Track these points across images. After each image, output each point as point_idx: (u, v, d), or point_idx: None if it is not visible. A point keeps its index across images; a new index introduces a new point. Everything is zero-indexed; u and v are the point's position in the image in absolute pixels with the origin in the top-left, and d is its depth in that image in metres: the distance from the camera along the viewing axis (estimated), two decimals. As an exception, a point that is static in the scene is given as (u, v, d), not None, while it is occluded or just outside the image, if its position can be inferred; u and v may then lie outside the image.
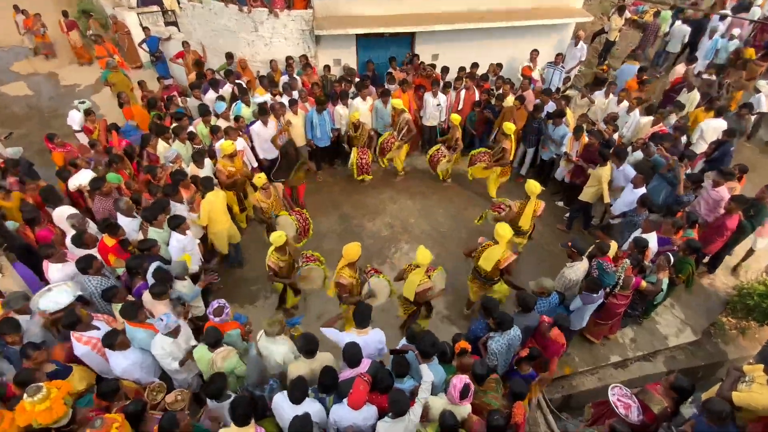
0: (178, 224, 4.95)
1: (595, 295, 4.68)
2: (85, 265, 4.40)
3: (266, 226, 5.87)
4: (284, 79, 8.14)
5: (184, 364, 4.09)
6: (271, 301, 6.11)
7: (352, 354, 3.62)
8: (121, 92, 7.64)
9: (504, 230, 4.90)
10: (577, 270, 4.90)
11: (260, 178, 5.67)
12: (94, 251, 4.77)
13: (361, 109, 7.69)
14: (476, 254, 5.16)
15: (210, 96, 7.67)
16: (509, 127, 7.01)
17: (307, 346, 3.69)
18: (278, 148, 7.11)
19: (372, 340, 3.93)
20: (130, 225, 5.20)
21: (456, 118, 7.35)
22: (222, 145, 6.06)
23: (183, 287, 4.68)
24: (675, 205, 5.65)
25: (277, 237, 4.82)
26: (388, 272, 6.21)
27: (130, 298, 4.40)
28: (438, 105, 7.98)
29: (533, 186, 5.76)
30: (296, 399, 3.35)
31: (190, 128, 6.71)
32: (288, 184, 6.65)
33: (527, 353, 3.98)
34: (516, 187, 7.81)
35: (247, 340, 4.41)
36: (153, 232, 5.03)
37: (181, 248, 4.95)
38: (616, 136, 7.13)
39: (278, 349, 3.99)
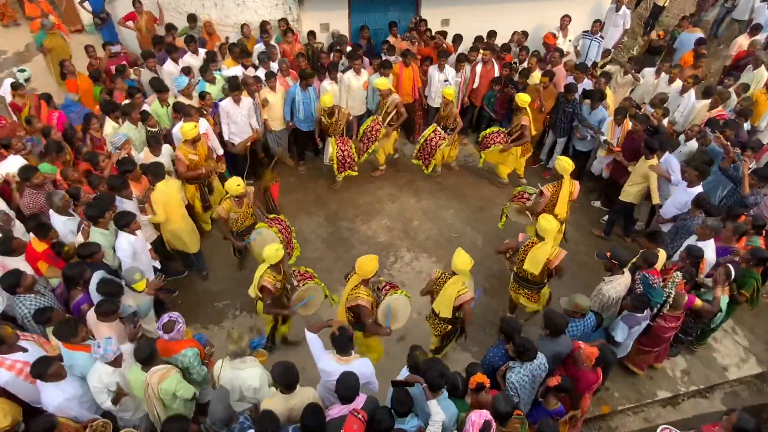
0: (126, 222, 4.93)
1: (640, 315, 4.69)
2: (12, 283, 4.33)
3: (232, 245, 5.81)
4: (259, 47, 8.14)
5: (118, 402, 4.01)
6: (241, 320, 6.09)
7: (346, 386, 3.59)
8: (64, 60, 7.61)
9: (548, 222, 4.98)
10: (617, 285, 4.92)
11: (238, 185, 5.34)
12: (21, 260, 4.73)
13: (353, 84, 7.70)
14: (518, 257, 5.23)
15: (168, 68, 7.65)
16: (523, 99, 7.11)
17: (286, 378, 3.63)
18: (241, 151, 7.03)
19: (354, 370, 3.85)
20: (66, 225, 5.16)
21: (449, 92, 7.34)
22: (182, 128, 6.03)
23: (132, 300, 4.65)
24: (737, 207, 5.69)
25: (273, 251, 4.66)
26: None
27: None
28: (446, 81, 8.00)
29: (565, 163, 5.83)
30: None
31: (144, 107, 6.69)
32: (260, 186, 6.56)
33: (557, 382, 3.99)
34: (542, 180, 7.82)
35: (206, 364, 4.38)
36: (97, 234, 5.01)
37: (132, 252, 4.93)
38: (665, 122, 7.17)
39: (250, 374, 3.97)
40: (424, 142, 7.70)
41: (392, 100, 7.35)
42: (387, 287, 5.00)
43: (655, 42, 9.66)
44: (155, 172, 5.62)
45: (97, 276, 4.60)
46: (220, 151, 7.01)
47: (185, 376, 4.16)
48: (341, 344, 3.94)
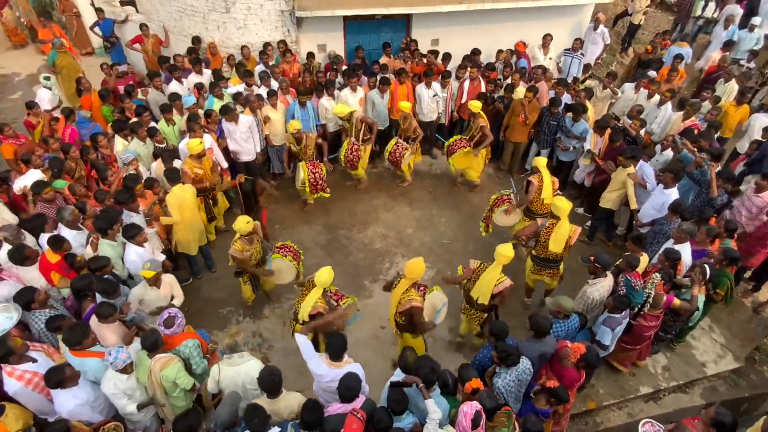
0: (134, 234, 4.95)
1: (619, 315, 4.74)
2: (27, 299, 4.34)
3: (248, 276, 5.75)
4: (260, 67, 8.23)
5: (144, 407, 4.05)
6: (245, 326, 6.10)
7: (348, 387, 3.60)
8: (80, 77, 7.69)
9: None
10: (600, 288, 4.97)
11: (247, 223, 5.18)
12: (34, 269, 4.74)
13: (350, 101, 7.78)
14: (541, 240, 5.50)
15: (173, 87, 7.72)
16: (475, 105, 7.36)
17: (267, 384, 3.62)
18: (233, 186, 6.73)
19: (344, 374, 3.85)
20: (76, 239, 5.18)
21: (405, 105, 7.43)
22: (188, 143, 6.09)
23: (142, 293, 4.65)
24: (706, 209, 5.78)
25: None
26: (380, 291, 6.22)
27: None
28: (435, 96, 8.10)
29: (540, 160, 6.10)
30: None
31: (152, 124, 6.75)
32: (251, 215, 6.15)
33: (553, 386, 3.98)
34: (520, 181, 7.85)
35: (208, 358, 4.39)
36: (105, 246, 5.02)
37: (140, 263, 4.94)
38: (642, 132, 7.28)
39: (250, 366, 3.97)
40: (389, 155, 7.83)
41: (357, 118, 7.35)
42: (423, 289, 5.00)
43: (644, 56, 9.77)
44: (171, 177, 5.72)
45: None
46: (225, 165, 7.06)
47: (187, 367, 4.20)
48: (335, 351, 3.94)
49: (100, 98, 7.46)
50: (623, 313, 4.74)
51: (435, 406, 3.59)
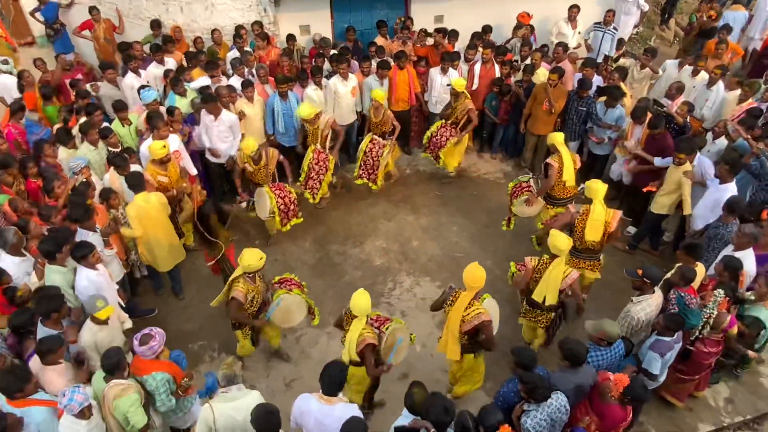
0: (84, 254, 4.90)
1: (670, 338, 4.68)
2: None
3: (250, 329, 5.50)
4: (232, 54, 8.27)
5: None
6: (220, 363, 6.01)
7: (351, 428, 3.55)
8: (23, 70, 7.71)
9: (594, 183, 5.61)
10: (647, 306, 4.92)
11: (260, 259, 4.95)
12: None
13: (340, 91, 7.78)
14: (576, 230, 5.68)
15: (129, 80, 7.74)
16: (459, 83, 7.51)
17: (265, 422, 3.59)
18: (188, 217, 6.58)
19: (335, 417, 3.80)
20: (20, 267, 5.12)
21: (378, 94, 7.37)
22: (151, 146, 6.07)
23: (90, 335, 4.59)
24: (758, 204, 5.73)
25: (255, 259, 4.91)
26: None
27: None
28: (448, 85, 8.13)
29: (597, 185, 5.75)
30: None
31: (104, 124, 6.75)
32: (214, 252, 5.85)
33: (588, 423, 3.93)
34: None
35: (179, 393, 4.35)
36: (53, 273, 4.96)
37: (94, 290, 4.91)
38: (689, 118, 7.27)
39: (253, 398, 3.96)
40: (364, 156, 7.67)
41: (324, 122, 7.17)
42: (378, 322, 4.88)
43: (705, 24, 9.66)
44: (133, 183, 5.71)
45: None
46: (194, 171, 7.05)
47: (148, 401, 4.19)
48: (334, 382, 3.90)
49: (43, 97, 7.47)
50: (675, 335, 4.68)
51: None
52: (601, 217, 5.56)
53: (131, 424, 4.06)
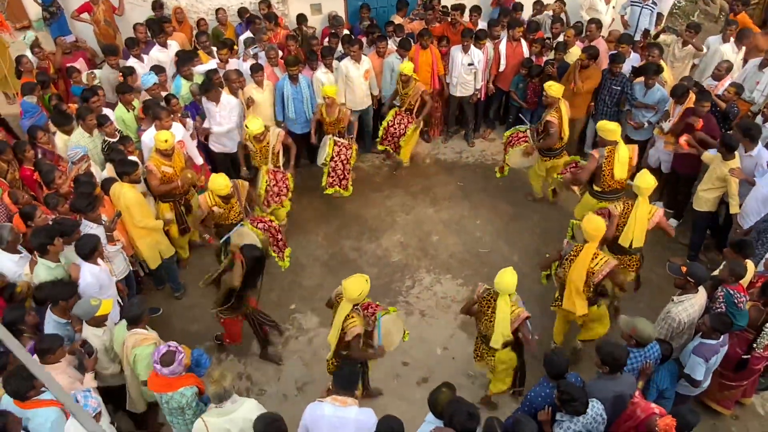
0: (92, 250, 4.97)
1: (716, 342, 4.59)
2: None
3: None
4: (245, 36, 8.29)
5: None
6: (228, 365, 6.10)
7: (390, 430, 3.61)
8: (22, 55, 7.84)
9: (647, 179, 5.50)
10: (689, 307, 4.84)
11: (225, 185, 5.71)
12: None
13: (352, 74, 7.74)
14: (605, 171, 5.99)
15: (131, 64, 7.79)
16: (407, 67, 7.40)
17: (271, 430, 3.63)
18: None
19: (351, 420, 3.86)
20: (18, 264, 5.18)
21: (330, 90, 7.11)
22: (156, 136, 6.11)
23: (96, 337, 4.64)
24: None
25: (222, 185, 5.58)
26: (402, 315, 6.18)
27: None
28: (470, 65, 8.05)
29: (611, 125, 6.12)
30: None
31: (105, 111, 6.81)
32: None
33: None
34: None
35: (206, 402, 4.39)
36: (41, 268, 5.00)
37: (98, 287, 4.96)
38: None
39: (248, 408, 3.97)
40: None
41: (274, 135, 6.81)
42: (371, 308, 5.05)
43: None
44: (130, 170, 5.80)
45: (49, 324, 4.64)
46: (200, 161, 7.11)
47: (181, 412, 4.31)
48: (348, 379, 3.93)
49: (41, 84, 7.55)
50: (722, 338, 4.61)
51: None
52: (645, 214, 5.52)
53: (138, 374, 4.42)
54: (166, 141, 6.06)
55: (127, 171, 5.82)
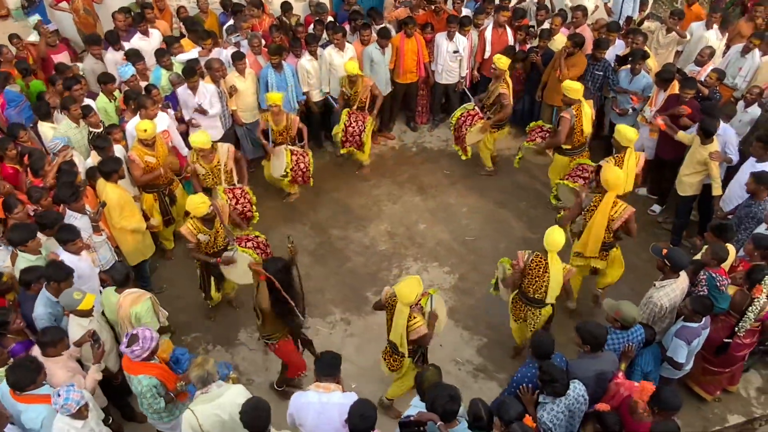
0: (70, 238, 4.95)
1: (697, 324, 4.67)
2: None
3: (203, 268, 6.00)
4: (228, 24, 8.20)
5: None
6: (216, 355, 6.09)
7: (362, 416, 3.58)
8: (1, 46, 7.69)
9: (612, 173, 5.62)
10: (670, 292, 4.91)
11: (202, 203, 5.41)
12: None
13: (336, 62, 7.70)
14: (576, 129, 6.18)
15: (112, 56, 7.71)
16: (351, 67, 7.31)
17: (253, 417, 3.62)
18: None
19: (335, 404, 3.87)
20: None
21: (274, 96, 6.91)
22: (138, 125, 6.05)
23: (80, 327, 4.62)
24: None
25: (199, 203, 5.36)
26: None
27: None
28: (455, 53, 8.04)
29: (629, 133, 6.15)
30: None
31: (88, 101, 6.74)
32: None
33: (602, 410, 3.94)
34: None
35: (172, 398, 4.40)
36: (22, 261, 4.99)
37: (76, 277, 4.92)
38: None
39: (235, 392, 3.99)
40: (456, 127, 7.74)
41: (224, 152, 6.57)
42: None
43: None
44: (107, 170, 5.70)
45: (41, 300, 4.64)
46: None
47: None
48: (326, 365, 3.95)
49: (20, 73, 7.43)
50: (703, 321, 4.68)
51: None
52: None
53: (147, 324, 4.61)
54: (145, 131, 5.99)
55: (110, 171, 5.73)
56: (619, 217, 5.48)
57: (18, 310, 4.82)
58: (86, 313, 4.64)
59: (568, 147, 6.88)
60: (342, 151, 7.95)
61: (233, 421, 3.86)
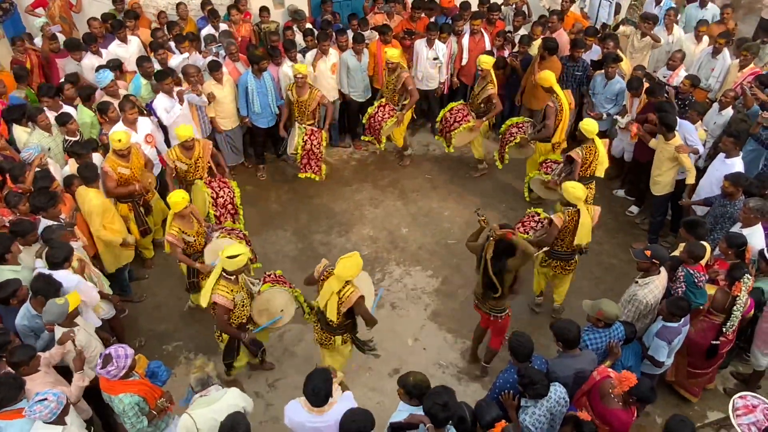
0: (66, 257, 4.90)
1: (677, 324, 4.73)
2: None
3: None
4: (207, 30, 8.18)
5: None
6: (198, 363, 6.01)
7: (354, 421, 3.63)
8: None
9: (576, 189, 5.47)
10: (654, 289, 4.96)
11: (183, 197, 5.33)
12: None
13: (320, 67, 7.72)
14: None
15: (89, 61, 7.63)
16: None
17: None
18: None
19: (331, 425, 3.84)
20: None
21: (301, 68, 7.10)
22: (111, 135, 5.99)
23: (78, 335, 4.54)
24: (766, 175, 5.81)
25: (178, 198, 5.26)
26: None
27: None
28: (435, 59, 8.10)
29: (589, 126, 6.30)
30: None
31: (67, 109, 6.64)
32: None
33: (582, 419, 3.97)
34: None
35: (154, 414, 4.31)
36: (9, 273, 4.88)
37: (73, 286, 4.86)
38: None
39: (232, 395, 3.99)
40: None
41: (202, 147, 6.52)
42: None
43: None
44: (87, 175, 5.65)
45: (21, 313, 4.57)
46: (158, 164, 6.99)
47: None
48: (318, 395, 3.86)
49: (16, 79, 7.33)
50: (683, 319, 4.75)
51: None
52: (586, 225, 5.50)
53: None
54: (120, 140, 5.88)
55: (92, 176, 5.69)
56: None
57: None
58: (73, 318, 4.55)
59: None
60: (300, 176, 7.73)
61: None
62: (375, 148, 8.66)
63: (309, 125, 7.45)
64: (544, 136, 7.00)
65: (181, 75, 7.20)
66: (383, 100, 7.84)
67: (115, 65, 7.26)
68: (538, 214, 6.23)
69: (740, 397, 4.34)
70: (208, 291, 4.77)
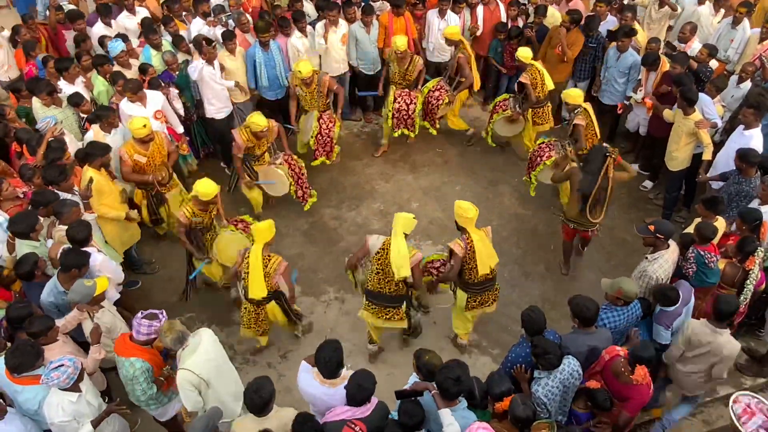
0: (64, 213, 4.99)
1: (674, 307, 4.68)
2: None
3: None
4: (216, 0, 8.10)
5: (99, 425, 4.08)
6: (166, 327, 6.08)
7: (359, 386, 3.67)
8: (18, 25, 7.62)
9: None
10: (663, 263, 4.96)
11: (211, 190, 5.44)
12: None
13: (330, 39, 7.65)
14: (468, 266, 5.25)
15: (98, 31, 7.62)
16: (453, 32, 7.48)
17: (253, 399, 3.68)
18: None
19: (341, 396, 3.85)
20: None
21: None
22: (130, 124, 5.85)
23: (102, 318, 4.62)
24: None
25: (207, 187, 5.36)
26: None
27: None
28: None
29: (574, 93, 6.57)
30: None
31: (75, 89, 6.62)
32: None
33: (592, 387, 4.02)
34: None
35: (162, 381, 4.42)
36: (24, 248, 4.95)
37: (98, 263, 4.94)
38: (714, 63, 7.16)
39: (206, 340, 4.14)
40: (425, 102, 7.78)
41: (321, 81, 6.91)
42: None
43: None
44: (94, 153, 5.64)
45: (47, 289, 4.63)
46: (180, 129, 7.04)
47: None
48: (330, 368, 3.92)
49: (25, 54, 7.32)
50: (679, 302, 4.72)
51: (451, 417, 3.63)
52: (483, 249, 5.22)
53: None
54: (144, 126, 5.79)
55: (93, 155, 5.65)
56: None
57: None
58: (99, 301, 4.61)
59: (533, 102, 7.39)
60: (313, 164, 7.59)
61: (219, 358, 4.20)
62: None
63: (323, 111, 7.28)
64: (529, 105, 7.37)
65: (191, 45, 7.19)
66: (437, 80, 7.80)
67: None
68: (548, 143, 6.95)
69: (734, 402, 4.36)
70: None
